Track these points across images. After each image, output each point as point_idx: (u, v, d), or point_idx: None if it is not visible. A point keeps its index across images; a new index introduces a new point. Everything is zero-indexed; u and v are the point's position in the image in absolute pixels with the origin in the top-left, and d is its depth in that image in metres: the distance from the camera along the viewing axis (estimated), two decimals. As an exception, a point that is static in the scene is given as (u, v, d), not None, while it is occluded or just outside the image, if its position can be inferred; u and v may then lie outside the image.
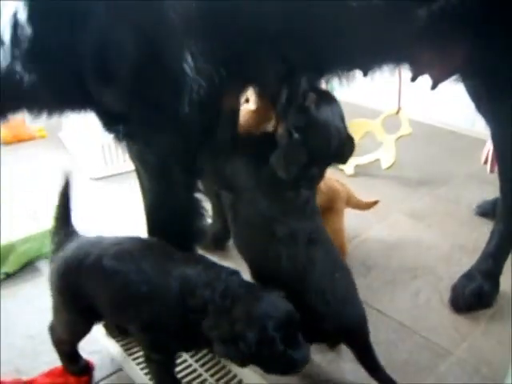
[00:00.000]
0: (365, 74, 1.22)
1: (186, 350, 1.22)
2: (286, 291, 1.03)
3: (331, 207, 1.54)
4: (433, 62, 1.20)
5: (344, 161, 1.17)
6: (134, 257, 1.07)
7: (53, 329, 1.18)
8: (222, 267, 1.08)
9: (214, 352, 1.03)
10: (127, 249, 1.09)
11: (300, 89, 1.09)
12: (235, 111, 1.29)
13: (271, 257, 1.09)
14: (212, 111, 1.16)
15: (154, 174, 1.24)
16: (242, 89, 1.25)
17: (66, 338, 1.17)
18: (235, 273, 1.06)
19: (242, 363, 1.00)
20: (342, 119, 1.11)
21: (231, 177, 1.17)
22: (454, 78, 1.27)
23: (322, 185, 1.50)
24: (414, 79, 1.28)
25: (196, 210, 1.30)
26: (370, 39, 1.09)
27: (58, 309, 1.14)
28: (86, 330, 1.17)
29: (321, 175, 1.15)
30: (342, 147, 1.10)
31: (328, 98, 1.11)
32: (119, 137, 1.19)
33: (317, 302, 1.06)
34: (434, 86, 1.28)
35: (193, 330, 1.00)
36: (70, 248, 1.12)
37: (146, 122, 1.15)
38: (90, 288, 1.08)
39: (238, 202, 1.16)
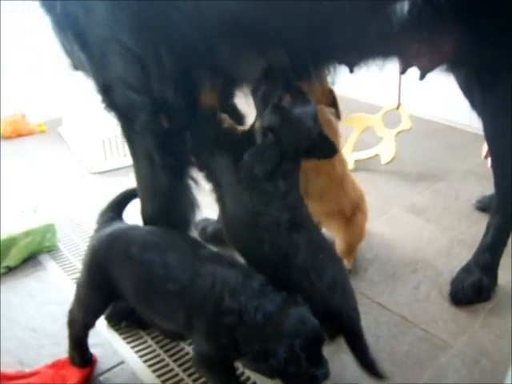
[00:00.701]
0: (351, 71, 1.23)
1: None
2: (275, 275, 1.08)
3: (359, 207, 1.55)
4: (420, 53, 1.20)
5: (323, 157, 1.20)
6: (161, 249, 1.10)
7: (71, 311, 1.20)
8: (251, 272, 1.08)
9: (241, 362, 1.05)
10: (154, 240, 1.12)
11: (277, 87, 1.12)
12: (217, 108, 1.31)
13: (256, 244, 1.14)
14: (188, 98, 1.20)
15: (135, 151, 1.28)
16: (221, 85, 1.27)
17: (80, 318, 1.19)
18: (265, 281, 1.05)
19: (271, 377, 1.02)
20: (315, 119, 1.15)
21: (215, 172, 1.23)
22: (445, 69, 1.26)
23: (355, 183, 1.56)
24: (403, 72, 1.28)
25: (183, 197, 1.33)
26: (351, 33, 1.09)
27: (80, 284, 1.18)
28: (99, 309, 1.20)
29: (296, 169, 1.19)
30: (312, 146, 1.15)
31: (303, 98, 1.15)
32: (107, 108, 1.24)
33: (302, 280, 1.09)
34: (422, 77, 1.27)
35: (220, 329, 1.00)
36: (107, 230, 1.18)
37: (122, 96, 1.19)
38: (115, 270, 1.11)
39: (223, 195, 1.21)
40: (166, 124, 1.21)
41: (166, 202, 1.32)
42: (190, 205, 1.36)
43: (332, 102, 1.49)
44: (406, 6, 1.02)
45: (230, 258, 1.13)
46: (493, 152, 1.40)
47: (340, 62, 1.22)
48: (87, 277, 1.16)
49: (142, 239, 1.12)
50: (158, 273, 1.06)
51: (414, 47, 1.17)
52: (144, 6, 1.08)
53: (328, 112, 1.45)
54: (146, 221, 1.38)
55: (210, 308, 1.01)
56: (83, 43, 1.16)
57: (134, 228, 1.19)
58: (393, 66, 1.26)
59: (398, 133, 2.24)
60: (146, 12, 1.09)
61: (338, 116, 1.50)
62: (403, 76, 1.32)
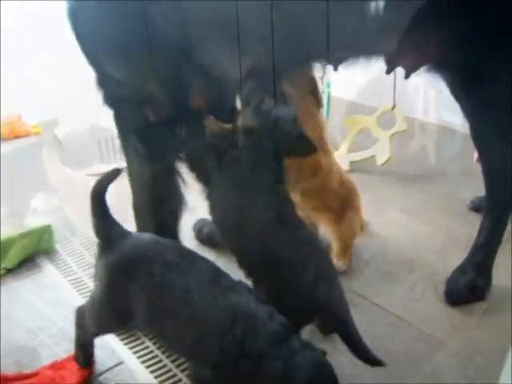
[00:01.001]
0: (335, 69, 1.26)
1: None
2: (263, 270, 1.14)
3: (349, 203, 1.57)
4: (405, 53, 1.22)
5: (302, 155, 1.25)
6: (182, 271, 1.05)
7: (81, 312, 1.16)
8: (272, 309, 1.04)
9: None
10: (175, 261, 1.07)
11: (259, 89, 1.17)
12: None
13: (243, 240, 1.17)
14: (174, 94, 1.24)
15: (125, 145, 1.33)
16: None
17: (90, 328, 1.16)
18: (286, 322, 1.02)
19: None
20: (293, 121, 1.18)
21: (203, 171, 1.27)
22: (430, 70, 1.28)
23: (344, 178, 1.57)
24: (388, 72, 1.29)
25: (170, 191, 1.36)
26: (329, 31, 1.10)
27: (95, 299, 1.11)
28: (111, 328, 1.19)
29: (278, 167, 1.22)
30: (291, 147, 1.19)
31: (283, 101, 1.21)
32: (104, 101, 1.29)
33: (288, 273, 1.11)
34: (406, 76, 1.29)
35: (235, 372, 0.97)
36: (125, 246, 1.09)
37: (113, 91, 1.24)
38: (131, 288, 1.04)
39: (211, 193, 1.25)
40: (150, 116, 1.24)
41: (153, 195, 1.34)
42: (178, 200, 1.38)
43: (313, 90, 1.50)
44: (381, 5, 1.04)
45: (247, 287, 1.08)
46: (481, 154, 1.42)
47: (324, 61, 1.25)
48: (103, 297, 1.10)
49: (164, 258, 1.07)
50: (175, 295, 1.02)
51: (398, 47, 1.19)
52: (128, 5, 1.11)
53: (310, 104, 1.47)
54: (136, 213, 1.41)
55: (227, 346, 0.97)
56: (80, 36, 1.19)
57: (154, 244, 1.12)
58: (367, 63, 1.27)
59: (393, 134, 2.25)
60: (131, 11, 1.12)
61: (318, 104, 1.52)
62: (398, 77, 1.34)
